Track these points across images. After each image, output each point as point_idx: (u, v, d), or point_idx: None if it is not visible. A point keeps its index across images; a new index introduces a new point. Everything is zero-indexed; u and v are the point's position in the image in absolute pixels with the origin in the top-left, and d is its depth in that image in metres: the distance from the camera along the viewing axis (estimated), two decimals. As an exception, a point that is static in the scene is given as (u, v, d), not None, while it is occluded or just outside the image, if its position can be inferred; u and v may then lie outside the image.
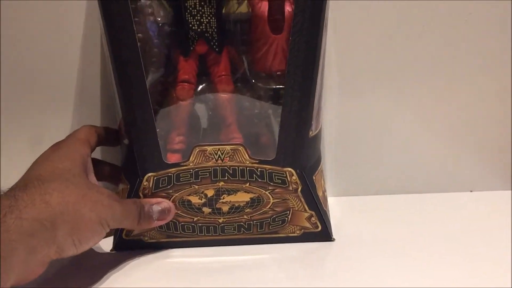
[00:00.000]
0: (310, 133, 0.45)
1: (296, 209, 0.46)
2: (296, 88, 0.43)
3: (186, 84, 0.45)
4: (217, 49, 0.44)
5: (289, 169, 0.46)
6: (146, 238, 0.46)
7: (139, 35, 0.42)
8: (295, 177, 0.46)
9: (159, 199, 0.45)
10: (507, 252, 0.49)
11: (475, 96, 0.60)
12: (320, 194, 0.48)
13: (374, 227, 0.53)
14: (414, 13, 0.57)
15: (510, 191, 0.63)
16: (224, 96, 0.46)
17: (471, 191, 0.63)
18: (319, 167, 0.50)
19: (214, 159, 0.44)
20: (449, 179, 0.63)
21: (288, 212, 0.46)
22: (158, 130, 0.43)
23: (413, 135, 0.61)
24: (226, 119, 0.46)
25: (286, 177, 0.46)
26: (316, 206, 0.46)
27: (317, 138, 0.48)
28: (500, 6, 0.57)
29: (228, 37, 0.45)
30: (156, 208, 0.44)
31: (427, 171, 0.62)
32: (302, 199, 0.46)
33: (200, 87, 0.46)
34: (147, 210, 0.44)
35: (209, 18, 0.43)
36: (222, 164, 0.45)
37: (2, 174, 0.57)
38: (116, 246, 0.46)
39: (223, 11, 0.44)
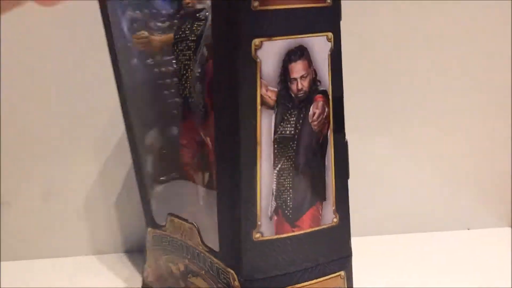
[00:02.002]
0: (257, 235, 0.38)
1: None
2: (226, 175, 0.38)
3: (185, 149, 0.45)
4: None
5: (231, 271, 0.39)
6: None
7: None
8: (237, 283, 0.39)
9: None
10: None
11: (471, 134, 0.61)
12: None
13: (372, 268, 0.53)
14: (411, 58, 0.59)
15: (507, 228, 0.64)
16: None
17: (468, 229, 0.64)
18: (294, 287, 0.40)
19: (180, 233, 0.43)
20: (447, 218, 0.63)
21: None
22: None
23: (409, 174, 0.62)
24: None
25: (230, 279, 0.39)
26: None
27: (276, 245, 0.39)
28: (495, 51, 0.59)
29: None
30: None
31: (425, 210, 0.63)
32: None
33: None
34: None
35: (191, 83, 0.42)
36: (185, 241, 0.43)
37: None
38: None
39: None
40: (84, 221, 0.60)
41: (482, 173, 0.63)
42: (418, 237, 0.62)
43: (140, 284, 0.52)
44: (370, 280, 0.50)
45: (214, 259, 0.41)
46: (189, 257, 0.43)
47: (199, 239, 0.42)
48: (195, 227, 0.42)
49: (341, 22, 0.38)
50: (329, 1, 0.37)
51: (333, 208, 0.41)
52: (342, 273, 0.43)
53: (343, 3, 0.38)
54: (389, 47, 0.60)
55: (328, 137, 0.39)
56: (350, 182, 0.49)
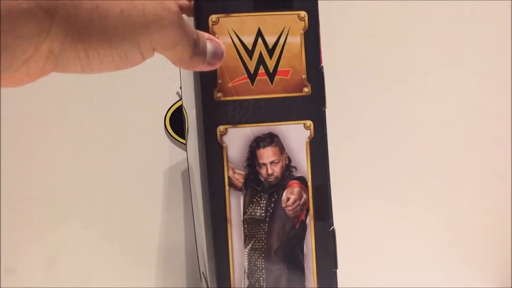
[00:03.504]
0: None
1: None
2: (208, 248, 0.40)
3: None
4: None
5: None
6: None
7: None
8: None
9: (211, 36, 0.34)
10: None
11: (461, 197, 0.64)
12: None
13: None
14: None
15: None
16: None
17: None
18: None
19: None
20: (435, 278, 0.64)
21: None
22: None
23: (397, 237, 0.64)
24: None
25: None
26: None
27: None
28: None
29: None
30: (210, 45, 0.33)
31: (413, 270, 0.64)
32: None
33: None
34: (203, 42, 0.33)
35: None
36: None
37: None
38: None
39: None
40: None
41: (471, 234, 0.65)
42: None
43: None
44: None
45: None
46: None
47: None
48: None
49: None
50: (306, 90, 0.38)
51: (315, 297, 0.40)
52: None
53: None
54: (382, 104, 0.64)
55: (307, 224, 0.39)
56: (341, 257, 0.48)
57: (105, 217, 0.63)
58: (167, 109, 0.63)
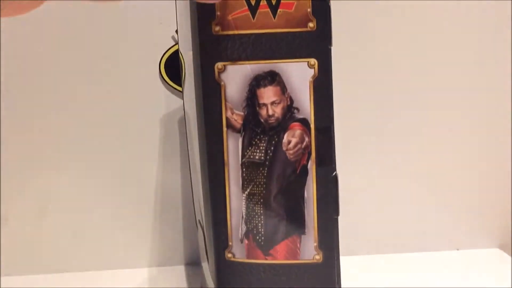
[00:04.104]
0: (229, 255, 0.39)
1: None
2: (205, 193, 0.39)
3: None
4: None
5: (212, 283, 0.41)
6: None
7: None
8: None
9: None
10: None
11: (462, 156, 0.63)
12: None
13: (364, 286, 0.56)
14: (403, 80, 0.61)
15: (495, 249, 0.66)
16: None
17: (457, 250, 0.65)
18: None
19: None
20: (436, 238, 0.65)
21: None
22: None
23: (399, 194, 0.63)
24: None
25: None
26: None
27: (249, 269, 0.38)
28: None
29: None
30: None
31: (414, 230, 0.64)
32: None
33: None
34: None
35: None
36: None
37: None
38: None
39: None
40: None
41: (472, 194, 0.64)
42: (407, 257, 0.63)
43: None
44: None
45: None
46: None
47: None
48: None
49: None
50: (311, 25, 0.35)
51: (315, 244, 0.39)
52: (325, 316, 0.40)
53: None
54: (385, 60, 0.61)
55: (309, 168, 0.37)
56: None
57: (100, 166, 0.61)
58: (162, 55, 0.60)
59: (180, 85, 0.61)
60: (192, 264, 0.63)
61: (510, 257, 0.64)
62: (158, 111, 0.61)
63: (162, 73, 0.61)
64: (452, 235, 0.66)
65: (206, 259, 0.45)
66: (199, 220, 0.52)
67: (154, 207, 0.61)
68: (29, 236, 0.59)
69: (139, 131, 0.61)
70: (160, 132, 0.61)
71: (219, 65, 0.35)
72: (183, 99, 0.56)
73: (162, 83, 0.61)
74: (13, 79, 0.58)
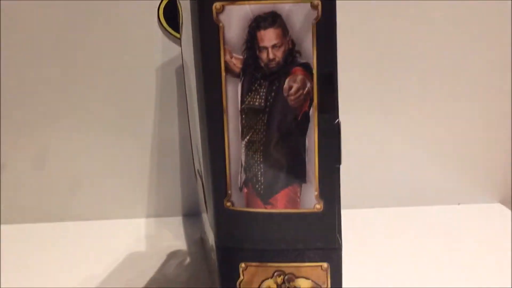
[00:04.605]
0: (228, 204, 0.38)
1: None
2: (203, 140, 0.38)
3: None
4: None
5: (212, 235, 0.41)
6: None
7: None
8: (213, 247, 0.40)
9: None
10: (492, 263, 0.51)
11: (463, 111, 0.63)
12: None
13: (361, 240, 0.55)
14: (406, 32, 0.60)
15: (496, 204, 0.66)
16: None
17: (458, 204, 0.66)
18: (265, 264, 0.39)
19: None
20: (437, 193, 0.65)
21: None
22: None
23: (401, 149, 0.63)
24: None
25: (213, 242, 0.40)
26: None
27: (248, 218, 0.38)
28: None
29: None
30: None
31: (416, 184, 0.65)
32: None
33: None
34: None
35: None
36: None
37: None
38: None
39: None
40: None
41: (473, 149, 0.64)
42: (409, 211, 0.64)
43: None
44: (359, 252, 0.52)
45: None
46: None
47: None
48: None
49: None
50: (315, -37, 0.33)
51: (316, 193, 0.38)
52: (324, 264, 0.39)
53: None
54: (389, 21, 0.60)
55: (311, 115, 0.36)
56: (342, 159, 0.44)
57: (97, 116, 0.60)
58: (160, 0, 0.58)
59: (178, 32, 0.59)
60: (190, 215, 0.63)
61: (510, 212, 0.64)
62: (155, 60, 0.59)
63: (160, 19, 0.59)
64: (454, 189, 0.65)
65: (206, 210, 0.45)
66: (197, 170, 0.51)
67: (151, 158, 0.61)
68: (27, 185, 0.58)
69: (137, 79, 0.59)
70: (157, 81, 0.59)
71: (217, 5, 0.33)
72: (181, 46, 0.54)
73: (161, 30, 0.59)
74: (12, 35, 0.57)
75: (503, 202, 0.67)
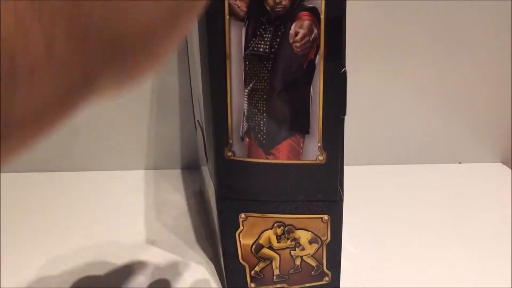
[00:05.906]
0: (229, 154, 0.37)
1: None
2: (204, 86, 0.37)
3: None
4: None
5: (212, 185, 0.40)
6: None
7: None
8: (213, 198, 0.40)
9: None
10: (491, 222, 0.51)
11: (465, 70, 0.61)
12: (246, 242, 0.39)
13: (366, 194, 0.55)
14: None
15: (498, 164, 0.66)
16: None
17: (460, 163, 0.66)
18: (265, 215, 0.38)
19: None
20: (439, 151, 0.64)
21: None
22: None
23: (403, 108, 0.62)
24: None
25: (214, 193, 0.40)
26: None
27: (249, 168, 0.37)
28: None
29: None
30: None
31: (418, 143, 0.64)
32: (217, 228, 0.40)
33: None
34: None
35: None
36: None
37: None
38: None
39: None
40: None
41: (475, 108, 0.63)
42: (410, 169, 0.63)
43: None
44: (360, 209, 0.52)
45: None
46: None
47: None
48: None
49: None
50: None
51: (319, 144, 0.37)
52: (325, 216, 0.39)
53: None
54: None
55: (317, 63, 0.35)
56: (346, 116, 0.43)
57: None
58: None
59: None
60: (190, 168, 0.62)
61: (511, 171, 0.64)
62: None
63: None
64: (455, 148, 0.65)
65: (206, 161, 0.44)
66: (198, 121, 0.50)
67: (150, 108, 0.59)
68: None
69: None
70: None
71: None
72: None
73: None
74: None
75: (504, 162, 0.66)
